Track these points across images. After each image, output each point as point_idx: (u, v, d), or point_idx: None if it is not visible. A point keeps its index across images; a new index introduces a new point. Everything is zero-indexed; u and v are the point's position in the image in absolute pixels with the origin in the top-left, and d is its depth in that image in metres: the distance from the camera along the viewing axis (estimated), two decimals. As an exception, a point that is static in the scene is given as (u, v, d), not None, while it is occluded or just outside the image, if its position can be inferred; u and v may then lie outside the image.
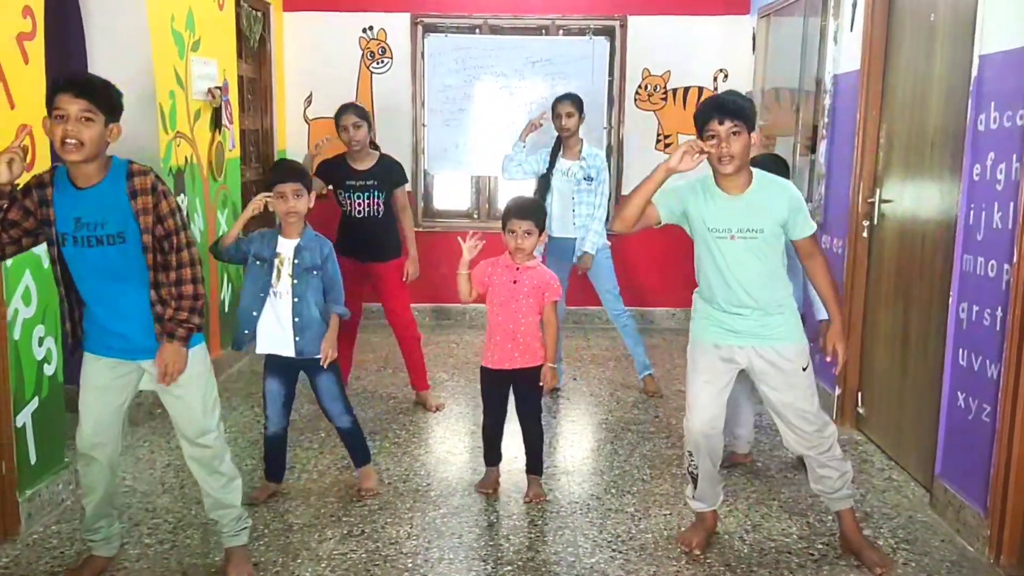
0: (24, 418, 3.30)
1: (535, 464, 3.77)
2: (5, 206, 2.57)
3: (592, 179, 4.93)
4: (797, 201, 2.99)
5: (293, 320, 3.44)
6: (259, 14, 6.15)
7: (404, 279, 4.70)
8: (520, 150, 5.08)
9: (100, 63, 4.30)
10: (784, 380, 3.05)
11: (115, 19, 4.26)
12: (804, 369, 3.06)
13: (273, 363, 3.55)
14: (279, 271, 3.42)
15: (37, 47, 3.36)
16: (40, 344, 3.40)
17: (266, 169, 6.25)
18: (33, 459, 3.36)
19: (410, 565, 3.12)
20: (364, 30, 6.68)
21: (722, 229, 2.96)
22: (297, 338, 3.45)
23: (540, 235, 3.61)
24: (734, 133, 2.86)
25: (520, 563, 3.15)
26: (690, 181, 3.05)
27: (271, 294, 3.44)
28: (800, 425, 3.08)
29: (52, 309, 3.47)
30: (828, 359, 3.12)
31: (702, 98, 6.61)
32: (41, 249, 3.36)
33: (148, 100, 4.36)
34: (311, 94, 6.73)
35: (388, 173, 4.68)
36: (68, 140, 2.51)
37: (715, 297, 3.06)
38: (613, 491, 3.77)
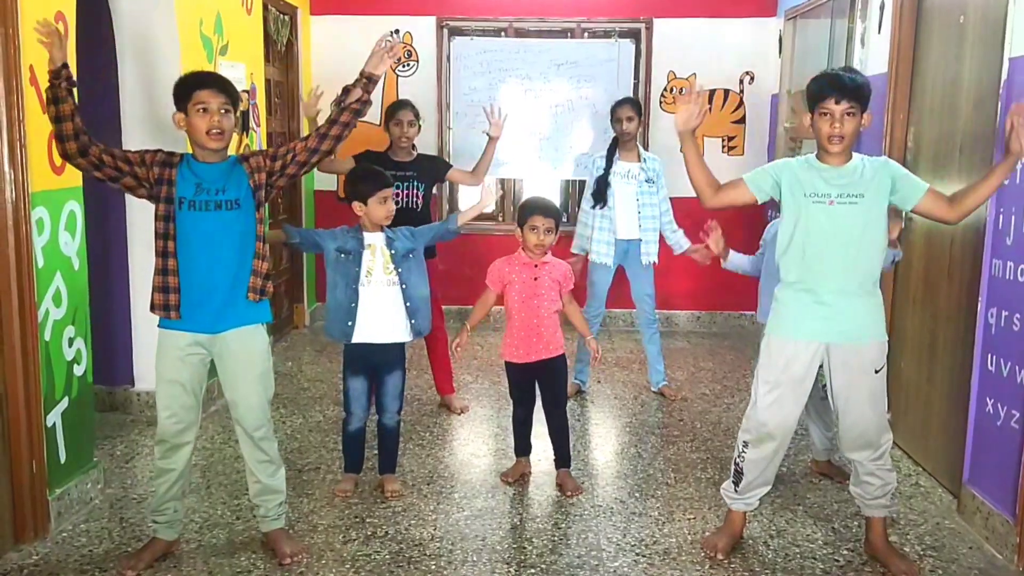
0: (54, 418, 3.35)
1: (564, 456, 3.86)
2: (66, 93, 2.80)
3: (653, 182, 4.98)
4: (898, 167, 2.96)
5: (406, 305, 3.59)
6: (286, 18, 6.20)
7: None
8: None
9: (130, 66, 4.36)
10: (855, 378, 3.01)
11: (145, 23, 4.31)
12: (878, 372, 3.03)
13: (355, 362, 3.64)
14: (371, 262, 3.55)
15: (69, 50, 3.41)
16: (70, 345, 3.45)
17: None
18: (63, 458, 3.40)
19: (433, 567, 3.13)
20: (390, 34, 6.70)
21: (821, 194, 2.92)
22: (413, 320, 3.62)
23: (556, 235, 3.71)
24: (848, 114, 2.84)
25: (543, 566, 3.15)
26: (787, 159, 3.06)
27: (367, 284, 3.55)
28: (857, 426, 3.04)
29: (82, 311, 3.53)
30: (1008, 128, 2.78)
31: (728, 101, 6.65)
32: (72, 250, 3.43)
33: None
34: (337, 97, 6.75)
35: (431, 166, 4.76)
36: (214, 130, 2.88)
37: (799, 280, 2.98)
38: (637, 495, 3.77)
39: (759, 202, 3.06)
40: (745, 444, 3.16)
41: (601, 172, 4.99)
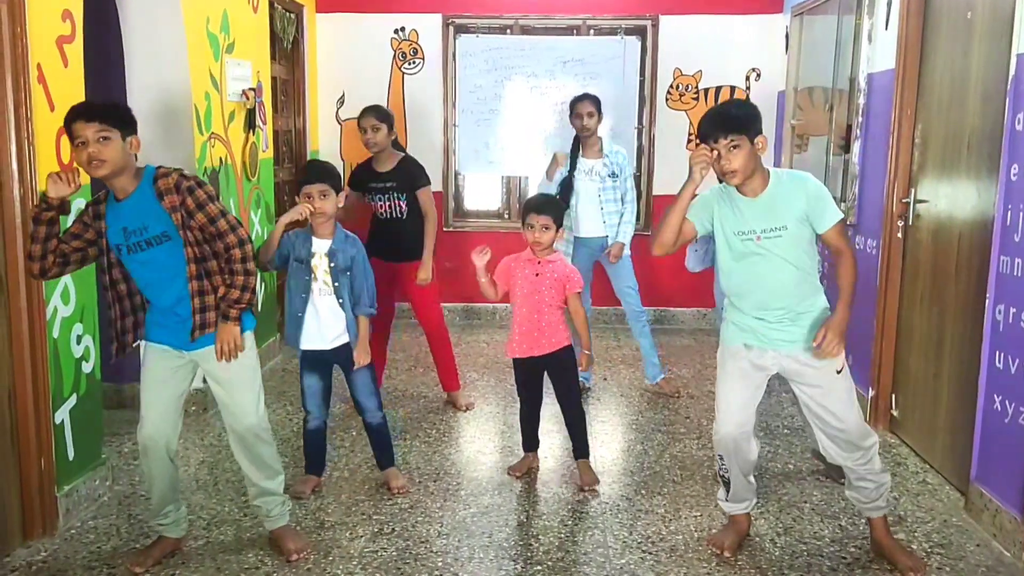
0: (62, 415, 3.36)
1: (581, 447, 3.87)
2: (53, 217, 2.81)
3: (616, 176, 4.94)
4: (816, 190, 2.93)
5: (346, 318, 3.52)
6: (292, 16, 6.21)
7: (418, 283, 4.65)
8: (545, 188, 5.00)
9: (137, 65, 4.36)
10: (817, 383, 3.01)
11: (152, 22, 4.32)
12: (839, 372, 3.01)
13: (309, 358, 3.60)
14: (316, 271, 3.47)
15: (76, 50, 3.42)
16: (78, 342, 3.46)
17: (298, 169, 6.32)
18: (71, 455, 3.41)
19: (440, 564, 3.14)
20: (396, 31, 6.71)
21: (747, 231, 2.94)
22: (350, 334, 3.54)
23: (558, 230, 3.72)
24: (734, 147, 2.84)
25: (550, 563, 3.16)
26: (714, 188, 3.05)
27: (313, 291, 3.48)
28: (836, 432, 3.03)
29: (90, 308, 3.54)
30: (815, 344, 2.93)
31: (734, 98, 6.63)
32: (79, 249, 3.43)
33: (184, 102, 4.42)
34: (343, 95, 6.78)
35: (407, 175, 4.64)
36: (93, 161, 2.71)
37: (743, 303, 3.03)
38: (643, 492, 3.77)
39: (699, 236, 3.07)
40: (721, 457, 3.17)
41: (566, 173, 4.93)
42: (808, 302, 3.00)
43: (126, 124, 2.80)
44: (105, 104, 2.82)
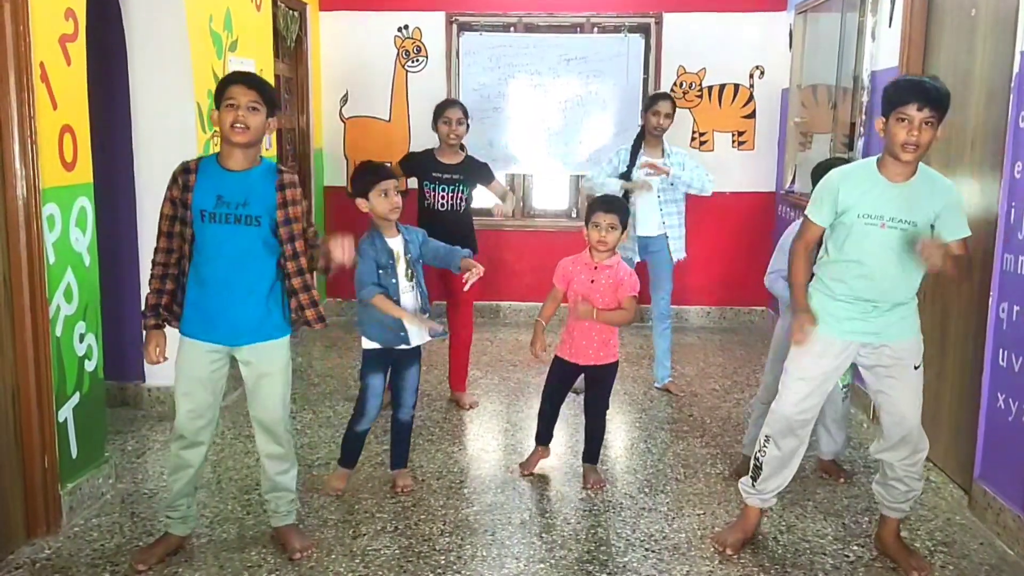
0: (65, 413, 3.37)
1: (593, 453, 3.88)
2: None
3: (678, 176, 4.91)
4: (957, 200, 2.86)
5: (424, 308, 3.60)
6: (296, 14, 6.21)
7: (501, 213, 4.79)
8: (610, 179, 4.97)
9: (140, 63, 4.37)
10: (892, 375, 2.99)
11: (155, 20, 4.32)
12: (916, 368, 2.99)
13: (378, 358, 3.62)
14: (400, 270, 3.53)
15: (79, 48, 3.42)
16: (81, 340, 3.47)
17: (300, 169, 6.32)
18: (74, 453, 3.42)
19: (443, 562, 3.14)
20: (399, 29, 6.71)
21: (874, 216, 2.85)
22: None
23: (623, 232, 3.66)
24: (927, 123, 2.72)
25: (552, 561, 3.16)
26: (845, 170, 2.97)
27: (399, 292, 3.52)
28: (896, 428, 3.01)
29: (93, 306, 3.54)
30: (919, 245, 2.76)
31: (738, 95, 6.62)
32: (83, 247, 3.44)
33: (186, 100, 4.42)
34: (347, 93, 6.78)
35: (474, 171, 4.73)
36: (237, 124, 2.84)
37: (840, 288, 2.97)
38: (646, 490, 3.77)
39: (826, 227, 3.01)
40: (767, 438, 3.15)
41: (625, 167, 4.92)
42: (907, 297, 2.96)
43: (273, 105, 2.94)
44: (263, 80, 3.00)
